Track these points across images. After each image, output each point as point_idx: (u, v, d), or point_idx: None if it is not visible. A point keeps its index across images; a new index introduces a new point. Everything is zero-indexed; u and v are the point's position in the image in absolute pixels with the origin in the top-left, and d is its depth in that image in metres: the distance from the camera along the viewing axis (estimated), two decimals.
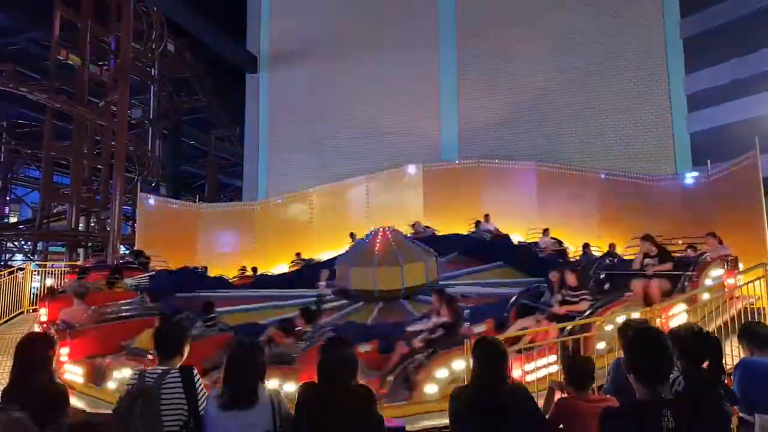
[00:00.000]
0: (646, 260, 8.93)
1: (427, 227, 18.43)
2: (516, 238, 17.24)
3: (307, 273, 15.96)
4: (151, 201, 19.97)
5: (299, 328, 8.31)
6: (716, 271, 8.68)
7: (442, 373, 6.69)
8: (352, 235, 18.33)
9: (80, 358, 8.17)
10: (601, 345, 6.91)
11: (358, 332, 8.86)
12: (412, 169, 20.72)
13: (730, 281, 7.83)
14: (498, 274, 14.65)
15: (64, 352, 8.21)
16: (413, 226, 18.23)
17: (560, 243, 16.62)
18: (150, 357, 7.64)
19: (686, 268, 8.59)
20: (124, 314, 9.62)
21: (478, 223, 17.72)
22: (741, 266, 9.47)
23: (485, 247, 16.08)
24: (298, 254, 18.95)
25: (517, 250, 15.62)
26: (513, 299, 9.15)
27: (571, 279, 8.18)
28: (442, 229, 18.37)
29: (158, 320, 8.80)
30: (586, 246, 15.42)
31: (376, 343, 8.17)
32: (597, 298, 7.94)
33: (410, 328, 8.31)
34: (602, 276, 9.53)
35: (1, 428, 2.53)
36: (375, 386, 6.54)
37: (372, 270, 12.49)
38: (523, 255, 15.03)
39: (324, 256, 18.36)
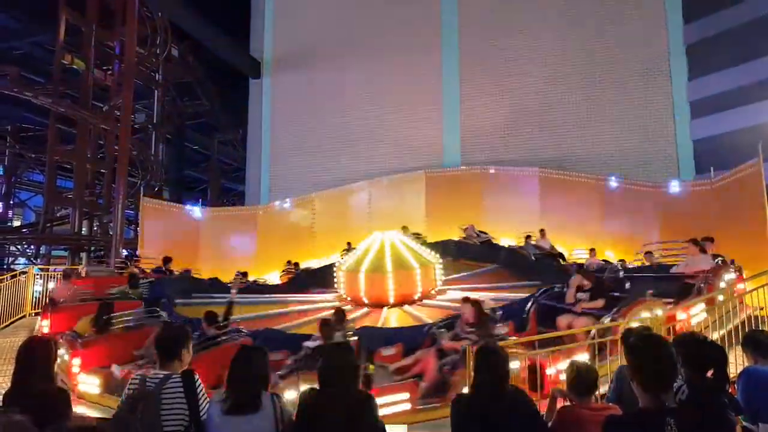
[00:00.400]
0: (579, 294, 8.85)
1: (483, 232, 17.87)
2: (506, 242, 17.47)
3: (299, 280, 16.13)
4: (154, 205, 19.99)
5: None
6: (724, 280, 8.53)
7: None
8: (348, 244, 18.36)
9: (93, 368, 8.05)
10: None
11: (379, 336, 8.89)
12: (414, 174, 20.72)
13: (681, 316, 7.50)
14: (496, 278, 14.71)
15: (76, 363, 8.13)
16: (465, 230, 17.84)
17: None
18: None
19: (617, 302, 8.20)
20: (132, 323, 9.59)
21: (528, 237, 16.79)
22: (738, 273, 9.42)
23: (529, 265, 14.97)
24: (289, 262, 18.90)
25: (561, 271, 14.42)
26: (532, 301, 9.27)
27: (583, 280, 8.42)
28: (443, 235, 18.33)
29: (160, 326, 8.75)
30: (592, 251, 15.43)
31: (401, 347, 8.22)
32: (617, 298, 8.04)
33: (435, 330, 8.36)
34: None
35: (1, 430, 2.53)
36: (407, 390, 6.58)
37: (388, 276, 12.54)
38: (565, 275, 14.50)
39: (319, 262, 18.52)
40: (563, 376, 5.93)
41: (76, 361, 8.14)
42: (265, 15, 25.73)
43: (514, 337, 7.64)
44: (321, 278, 15.80)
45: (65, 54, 24.45)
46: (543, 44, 20.72)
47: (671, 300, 7.92)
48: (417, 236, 17.40)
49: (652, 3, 19.58)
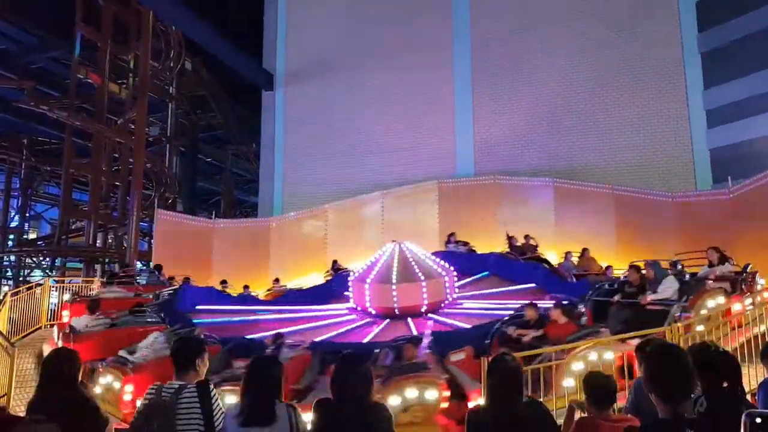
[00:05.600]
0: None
1: (529, 238, 16.85)
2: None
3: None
4: (168, 217, 20.13)
5: None
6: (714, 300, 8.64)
7: (578, 366, 6.70)
8: (334, 263, 18.43)
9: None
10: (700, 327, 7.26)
11: (447, 340, 8.85)
12: (427, 184, 20.66)
13: (737, 307, 7.93)
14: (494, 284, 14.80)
15: (128, 389, 7.67)
16: (510, 239, 16.87)
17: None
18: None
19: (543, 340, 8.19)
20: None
21: (567, 254, 15.91)
22: (762, 282, 9.36)
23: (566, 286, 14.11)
24: (276, 280, 18.79)
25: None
26: (588, 298, 9.82)
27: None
28: None
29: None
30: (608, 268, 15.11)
31: (471, 349, 8.12)
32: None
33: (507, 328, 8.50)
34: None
35: None
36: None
37: (393, 287, 12.47)
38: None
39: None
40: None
41: (129, 388, 7.70)
42: (277, 28, 25.93)
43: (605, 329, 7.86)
44: (310, 297, 15.66)
45: (81, 68, 24.75)
46: (556, 53, 20.70)
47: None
48: (465, 244, 17.49)
49: (666, 12, 19.53)
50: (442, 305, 13.06)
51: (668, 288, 8.52)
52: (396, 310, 12.48)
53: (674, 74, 19.22)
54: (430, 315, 12.44)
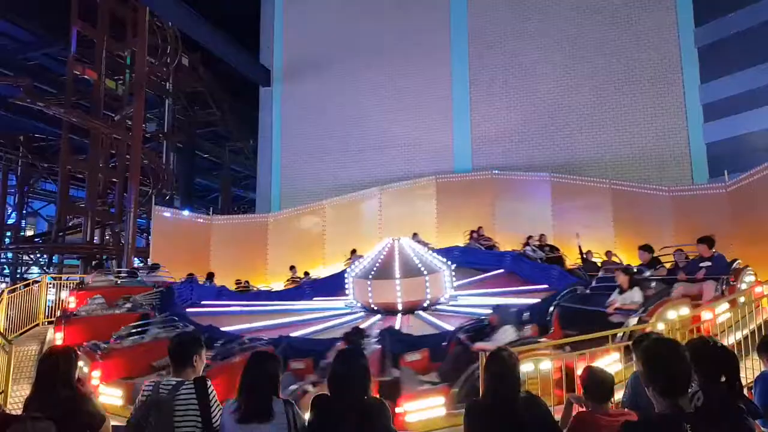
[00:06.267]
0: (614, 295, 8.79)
1: (611, 254, 15.45)
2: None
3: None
4: (166, 214, 20.11)
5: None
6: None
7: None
8: (353, 252, 18.43)
9: (114, 380, 7.97)
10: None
11: (404, 342, 8.85)
12: (425, 180, 20.67)
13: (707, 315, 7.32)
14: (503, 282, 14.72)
15: (95, 375, 8.06)
16: (585, 255, 15.82)
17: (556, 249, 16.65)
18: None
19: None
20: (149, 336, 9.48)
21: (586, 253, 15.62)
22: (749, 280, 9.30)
23: (533, 269, 14.61)
24: (238, 281, 18.70)
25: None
26: (555, 304, 9.33)
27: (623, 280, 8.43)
28: (454, 240, 18.29)
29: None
30: (609, 253, 15.23)
31: (426, 352, 8.23)
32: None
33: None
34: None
35: None
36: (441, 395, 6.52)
37: (396, 282, 12.47)
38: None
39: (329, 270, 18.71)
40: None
41: (96, 373, 8.07)
42: (274, 23, 25.84)
43: (544, 340, 7.53)
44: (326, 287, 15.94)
45: (77, 65, 24.69)
46: (553, 48, 20.65)
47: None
48: (425, 244, 17.22)
49: (663, 6, 19.48)
50: (441, 300, 13.09)
51: (636, 294, 8.11)
52: (399, 305, 12.47)
53: (671, 69, 19.20)
54: (417, 312, 12.43)
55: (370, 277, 12.83)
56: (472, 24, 22.04)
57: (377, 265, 13.15)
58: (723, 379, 3.37)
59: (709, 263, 9.02)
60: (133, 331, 9.38)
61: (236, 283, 18.13)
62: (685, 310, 7.32)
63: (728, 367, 3.40)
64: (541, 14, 20.91)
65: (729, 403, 3.17)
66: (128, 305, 11.77)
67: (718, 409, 2.60)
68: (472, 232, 18.23)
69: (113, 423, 3.64)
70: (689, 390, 2.56)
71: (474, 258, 16.74)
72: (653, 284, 8.89)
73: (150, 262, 18.25)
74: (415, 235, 17.65)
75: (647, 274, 9.65)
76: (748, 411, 3.30)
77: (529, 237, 16.90)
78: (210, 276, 17.36)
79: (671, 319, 7.07)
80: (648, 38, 19.51)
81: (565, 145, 20.00)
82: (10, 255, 31.12)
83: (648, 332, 5.53)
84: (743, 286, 8.47)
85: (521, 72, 21.02)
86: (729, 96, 17.87)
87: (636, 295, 8.12)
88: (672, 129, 18.88)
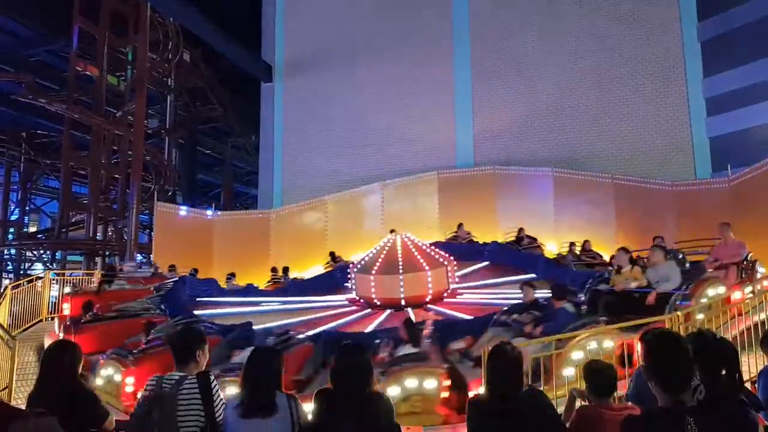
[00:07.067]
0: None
1: (592, 252, 15.66)
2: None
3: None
4: (168, 210, 20.13)
5: None
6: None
7: (577, 355, 6.68)
8: (332, 254, 18.60)
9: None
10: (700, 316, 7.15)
11: (449, 330, 8.90)
12: (427, 175, 20.62)
13: (737, 295, 7.83)
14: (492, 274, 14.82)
15: (129, 381, 7.62)
16: (584, 244, 15.80)
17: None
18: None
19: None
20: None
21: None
22: (762, 270, 9.34)
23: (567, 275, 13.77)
24: (273, 269, 18.92)
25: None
26: (586, 289, 9.56)
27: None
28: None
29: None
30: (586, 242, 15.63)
31: (471, 339, 8.23)
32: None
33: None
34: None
35: (31, 429, 2.59)
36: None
37: (399, 278, 12.45)
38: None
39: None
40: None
41: (130, 380, 7.63)
42: (276, 19, 25.78)
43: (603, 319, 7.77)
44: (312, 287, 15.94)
45: (79, 61, 24.70)
46: (555, 43, 20.55)
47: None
48: (467, 233, 17.82)
49: (666, 1, 19.37)
50: (444, 295, 13.07)
51: (673, 278, 8.15)
52: (402, 301, 12.45)
53: (674, 63, 19.11)
54: (429, 306, 12.44)
55: (373, 272, 12.82)
56: (474, 18, 21.93)
57: (380, 260, 13.14)
58: (723, 372, 3.37)
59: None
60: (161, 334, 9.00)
61: (272, 272, 18.63)
62: (721, 289, 7.87)
63: (728, 359, 3.39)
64: (544, 9, 20.81)
65: (731, 396, 3.17)
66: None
67: (719, 403, 2.60)
68: (458, 228, 18.28)
69: (118, 419, 3.65)
70: (692, 384, 2.56)
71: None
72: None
73: (188, 270, 17.55)
74: (460, 225, 18.12)
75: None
76: (751, 404, 3.30)
77: (572, 243, 16.02)
78: (196, 272, 17.20)
79: (712, 296, 7.60)
80: (651, 33, 19.41)
81: (567, 140, 19.93)
82: (13, 251, 31.23)
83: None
84: (758, 275, 8.91)
85: (523, 66, 20.92)
86: (732, 90, 17.78)
87: (672, 272, 8.20)
88: (675, 123, 18.81)
